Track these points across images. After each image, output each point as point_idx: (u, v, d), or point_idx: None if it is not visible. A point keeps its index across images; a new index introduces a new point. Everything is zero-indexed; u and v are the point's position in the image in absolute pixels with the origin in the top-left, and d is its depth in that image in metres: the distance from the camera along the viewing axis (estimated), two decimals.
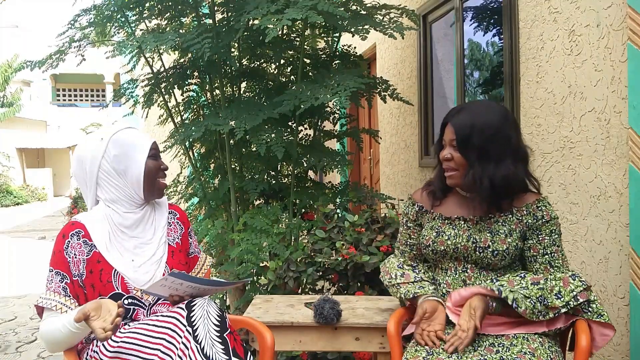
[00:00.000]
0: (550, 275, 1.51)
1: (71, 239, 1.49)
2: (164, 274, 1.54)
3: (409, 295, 1.62)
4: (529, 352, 1.40)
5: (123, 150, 1.54)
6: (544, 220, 1.54)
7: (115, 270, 1.49)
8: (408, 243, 1.75)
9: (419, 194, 1.74)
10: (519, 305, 1.44)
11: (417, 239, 1.72)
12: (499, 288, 1.47)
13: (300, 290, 2.59)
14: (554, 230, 1.54)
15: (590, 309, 1.50)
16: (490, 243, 1.54)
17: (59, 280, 1.47)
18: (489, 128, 1.51)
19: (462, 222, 1.60)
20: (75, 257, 1.48)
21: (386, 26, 2.70)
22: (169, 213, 1.68)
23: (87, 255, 1.49)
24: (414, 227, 1.73)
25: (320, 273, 2.47)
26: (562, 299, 1.46)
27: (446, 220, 1.63)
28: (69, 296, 1.47)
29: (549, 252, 1.53)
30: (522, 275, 1.52)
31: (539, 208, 1.55)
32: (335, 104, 3.22)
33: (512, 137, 1.54)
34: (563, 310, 1.46)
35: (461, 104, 1.64)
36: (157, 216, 1.63)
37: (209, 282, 1.55)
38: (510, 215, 1.56)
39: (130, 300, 1.49)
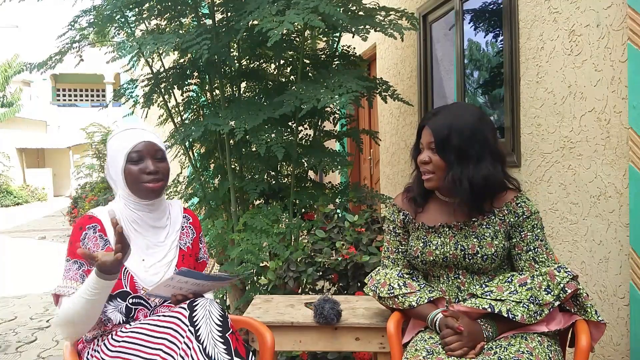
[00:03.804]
0: (536, 271, 1.51)
1: (88, 231, 1.51)
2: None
3: (422, 301, 1.57)
4: (527, 351, 1.39)
5: (110, 156, 1.59)
6: (524, 216, 1.54)
7: (126, 268, 1.50)
8: (400, 250, 1.71)
9: (400, 200, 1.71)
10: (515, 314, 1.43)
11: (408, 244, 1.69)
12: (490, 305, 1.46)
13: (300, 290, 2.60)
14: (535, 225, 1.54)
15: (580, 303, 1.51)
16: (478, 248, 1.53)
17: (77, 269, 1.47)
18: (467, 129, 1.51)
19: (447, 230, 1.59)
20: (92, 249, 1.49)
21: (386, 26, 2.70)
22: (183, 217, 1.70)
23: (101, 249, 1.50)
24: (403, 233, 1.70)
25: (320, 273, 2.47)
26: (552, 293, 1.46)
27: (430, 229, 1.61)
28: None
29: (532, 247, 1.53)
30: (509, 279, 1.51)
31: (519, 205, 1.55)
32: (335, 104, 3.22)
33: (489, 137, 1.54)
34: (556, 303, 1.46)
35: (436, 108, 1.64)
36: (171, 219, 1.65)
37: (211, 277, 1.55)
38: (493, 217, 1.55)
39: (136, 300, 1.50)
